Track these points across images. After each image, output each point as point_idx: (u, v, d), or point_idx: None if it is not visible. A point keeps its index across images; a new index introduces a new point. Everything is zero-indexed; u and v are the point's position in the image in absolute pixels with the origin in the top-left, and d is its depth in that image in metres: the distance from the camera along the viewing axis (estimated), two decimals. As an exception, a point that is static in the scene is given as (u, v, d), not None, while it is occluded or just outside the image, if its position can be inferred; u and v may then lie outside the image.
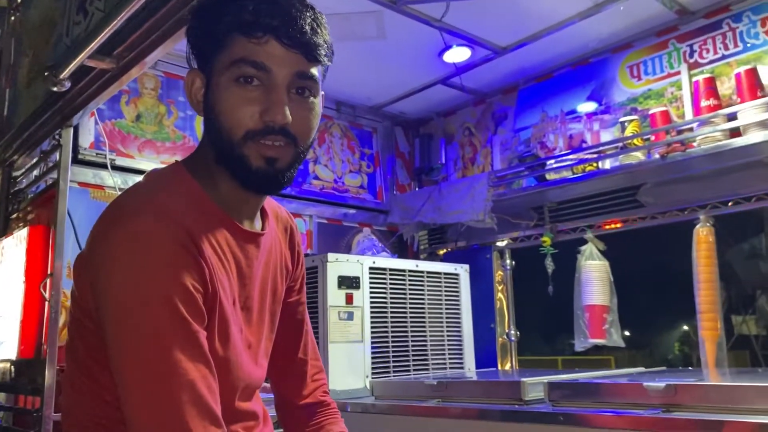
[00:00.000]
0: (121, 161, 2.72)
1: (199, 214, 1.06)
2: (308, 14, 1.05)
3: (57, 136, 2.03)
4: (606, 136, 2.97)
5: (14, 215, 2.38)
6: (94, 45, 1.57)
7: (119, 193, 2.54)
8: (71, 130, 1.99)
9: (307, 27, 1.04)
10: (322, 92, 1.14)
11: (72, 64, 1.63)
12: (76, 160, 2.59)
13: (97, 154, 2.64)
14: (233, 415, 1.12)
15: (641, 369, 2.53)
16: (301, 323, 1.38)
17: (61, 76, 1.66)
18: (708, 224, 2.61)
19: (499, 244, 3.39)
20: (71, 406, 1.10)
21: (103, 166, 2.62)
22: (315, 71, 1.07)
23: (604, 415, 1.73)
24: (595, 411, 1.77)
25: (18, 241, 2.10)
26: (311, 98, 1.08)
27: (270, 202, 1.29)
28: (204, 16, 1.09)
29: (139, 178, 2.81)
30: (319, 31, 1.06)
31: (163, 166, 1.18)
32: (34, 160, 2.35)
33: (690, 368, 3.28)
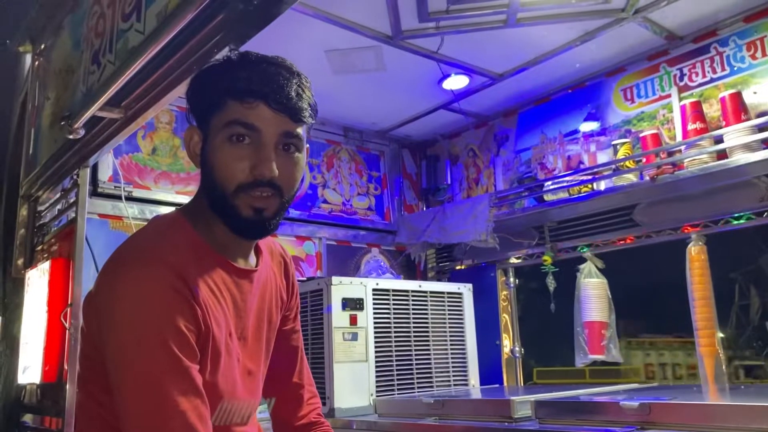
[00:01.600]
0: (138, 193, 2.89)
1: (196, 257, 1.19)
2: (294, 81, 1.20)
3: (75, 176, 2.20)
4: (602, 157, 3.07)
5: (39, 247, 2.56)
6: (105, 98, 1.72)
7: (131, 222, 2.73)
8: (87, 171, 2.16)
9: (293, 93, 1.18)
10: (307, 146, 1.28)
11: (85, 115, 1.79)
12: (96, 193, 2.77)
13: (115, 187, 2.81)
14: None
15: (635, 385, 2.61)
16: (295, 349, 1.51)
17: (76, 126, 1.82)
18: (700, 243, 2.68)
19: (503, 262, 3.49)
20: (81, 426, 1.25)
21: (121, 198, 2.79)
22: (300, 130, 1.21)
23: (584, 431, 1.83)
24: (576, 428, 1.86)
25: (41, 273, 2.27)
26: (296, 153, 1.22)
27: (264, 239, 1.43)
28: (202, 82, 1.24)
29: (156, 207, 2.99)
30: (303, 95, 1.21)
31: (178, 198, 1.33)
32: (57, 196, 2.52)
33: (679, 385, 3.33)
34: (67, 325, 2.08)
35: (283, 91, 1.17)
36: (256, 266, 1.33)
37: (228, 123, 1.17)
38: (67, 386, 2.02)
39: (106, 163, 2.82)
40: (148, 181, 2.95)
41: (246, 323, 1.29)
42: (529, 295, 3.59)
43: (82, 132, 1.88)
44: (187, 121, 1.27)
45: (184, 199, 2.22)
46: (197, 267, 1.18)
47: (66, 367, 2.08)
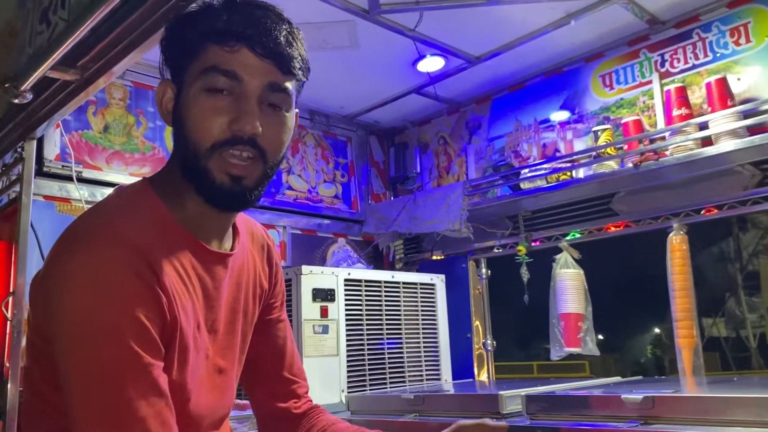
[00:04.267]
0: (88, 173, 2.65)
1: (162, 236, 1.02)
2: (284, 27, 1.03)
3: (19, 149, 1.96)
4: (579, 145, 2.99)
5: (-24, 230, 2.30)
6: (57, 55, 1.51)
7: (86, 206, 2.49)
8: (34, 143, 1.92)
9: (281, 38, 1.01)
10: (297, 110, 1.11)
11: (34, 76, 1.57)
12: (41, 173, 2.52)
13: (63, 166, 2.56)
14: None
15: (617, 378, 2.53)
16: (283, 341, 1.35)
17: (22, 88, 1.60)
18: (681, 232, 2.62)
19: (475, 253, 3.38)
20: (27, 430, 1.07)
21: (69, 179, 2.55)
22: (289, 85, 1.05)
23: (582, 428, 1.72)
24: (573, 424, 1.76)
25: (-21, 258, 2.02)
26: (284, 112, 1.06)
27: (245, 219, 1.26)
28: (178, 26, 1.07)
29: (107, 190, 2.77)
30: (294, 44, 1.04)
31: (132, 181, 1.15)
32: (-3, 173, 2.27)
33: (664, 377, 3.29)
34: (8, 316, 1.84)
35: (270, 34, 1.00)
36: (232, 249, 1.16)
37: (205, 70, 1.00)
38: (9, 385, 1.79)
39: (53, 140, 2.58)
40: (99, 161, 2.71)
41: (217, 314, 1.12)
42: (492, 288, 3.47)
43: (29, 96, 1.65)
44: (161, 74, 1.09)
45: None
46: (164, 248, 1.01)
47: (7, 363, 1.85)
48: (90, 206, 2.43)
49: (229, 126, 0.99)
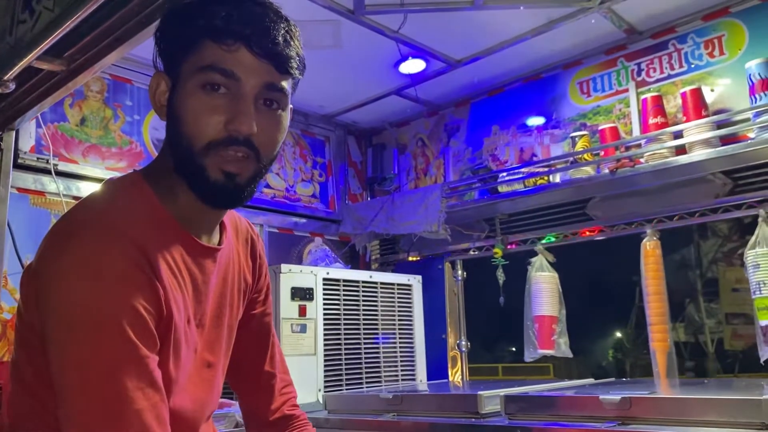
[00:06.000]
0: (63, 166, 2.59)
1: (155, 228, 1.02)
2: (282, 25, 1.03)
3: (-3, 140, 1.92)
4: (556, 150, 3.04)
5: (-53, 222, 2.24)
6: (45, 45, 1.49)
7: (62, 199, 2.44)
8: (13, 134, 1.89)
9: (280, 38, 1.02)
10: (291, 105, 1.12)
11: (19, 65, 1.55)
12: (16, 165, 2.45)
13: (38, 158, 2.50)
14: None
15: (591, 380, 2.58)
16: (267, 335, 1.36)
17: (6, 77, 1.57)
18: (655, 238, 2.68)
19: (451, 254, 3.40)
20: (13, 426, 1.04)
21: (45, 172, 2.50)
22: (285, 84, 1.05)
23: (561, 428, 1.75)
24: (551, 424, 1.79)
25: (-49, 250, 1.97)
26: (279, 111, 1.06)
27: (230, 213, 1.26)
28: (175, 19, 1.06)
29: (83, 184, 2.71)
30: (292, 43, 1.04)
31: (120, 175, 1.14)
32: (-29, 164, 2.21)
33: (636, 379, 3.36)
34: (-16, 310, 1.80)
35: (268, 34, 1.00)
36: (220, 244, 1.16)
37: (202, 68, 0.99)
38: (-17, 380, 1.75)
39: (28, 131, 2.51)
40: (75, 154, 2.66)
41: (205, 308, 1.12)
42: (471, 288, 3.51)
43: (12, 86, 1.62)
44: (154, 66, 1.08)
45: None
46: (158, 241, 1.01)
47: (-19, 358, 1.81)
48: (66, 199, 2.37)
49: (225, 126, 1.00)
